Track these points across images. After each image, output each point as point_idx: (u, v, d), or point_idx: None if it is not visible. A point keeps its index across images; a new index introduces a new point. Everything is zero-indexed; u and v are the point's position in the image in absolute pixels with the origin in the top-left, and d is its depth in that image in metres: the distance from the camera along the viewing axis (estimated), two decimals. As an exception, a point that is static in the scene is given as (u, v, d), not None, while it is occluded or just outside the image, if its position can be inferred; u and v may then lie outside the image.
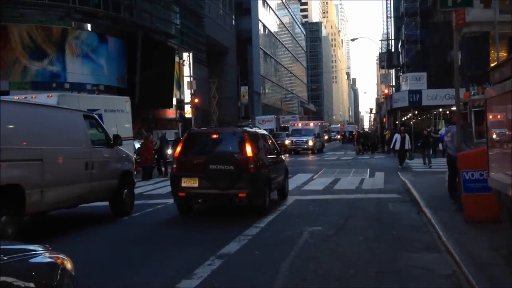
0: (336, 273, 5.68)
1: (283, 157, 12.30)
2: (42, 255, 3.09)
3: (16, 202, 7.05)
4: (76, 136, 8.87)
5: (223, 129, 10.17)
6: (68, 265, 3.25)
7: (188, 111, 42.55)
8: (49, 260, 3.10)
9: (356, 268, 5.85)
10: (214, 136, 10.05)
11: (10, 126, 7.36)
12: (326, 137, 63.52)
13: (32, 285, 2.81)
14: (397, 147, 20.80)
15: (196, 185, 9.30)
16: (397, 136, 21.08)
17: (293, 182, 14.98)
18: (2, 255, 2.78)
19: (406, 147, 20.49)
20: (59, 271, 3.08)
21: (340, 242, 7.32)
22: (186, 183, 9.35)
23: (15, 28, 27.42)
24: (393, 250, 6.71)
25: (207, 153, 9.42)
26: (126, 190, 10.04)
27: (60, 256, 3.24)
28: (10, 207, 6.92)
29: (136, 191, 11.57)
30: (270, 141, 11.66)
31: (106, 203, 10.01)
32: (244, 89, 63.16)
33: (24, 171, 7.28)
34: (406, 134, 21.04)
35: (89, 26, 30.66)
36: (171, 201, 11.75)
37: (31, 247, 3.15)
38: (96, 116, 10.37)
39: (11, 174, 6.99)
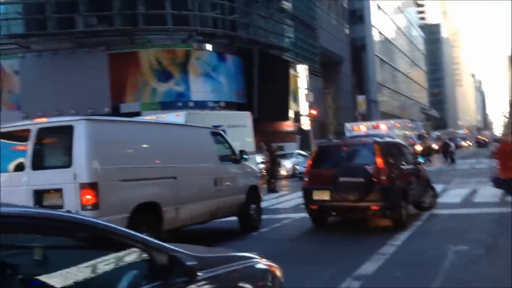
0: (498, 302, 4.95)
1: (423, 167, 11.67)
2: (260, 262, 3.33)
3: (154, 219, 7.30)
4: (205, 152, 9.06)
5: (353, 141, 10.08)
6: (278, 272, 3.42)
7: (304, 123, 42.54)
8: (265, 267, 3.35)
9: (522, 297, 5.06)
10: (344, 148, 10.08)
11: (145, 146, 7.71)
12: (435, 145, 44.40)
13: None
14: None
15: (328, 197, 9.27)
16: None
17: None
18: (236, 262, 3.11)
19: None
20: (271, 277, 3.34)
21: (494, 263, 6.48)
22: (317, 196, 9.41)
23: (144, 54, 29.64)
24: None
25: (337, 166, 9.35)
26: (253, 205, 10.04)
27: (272, 264, 3.43)
28: (149, 224, 7.17)
29: (261, 205, 11.55)
30: (406, 150, 11.29)
31: (233, 218, 10.09)
32: (360, 98, 61.66)
33: (160, 189, 7.54)
34: None
35: (209, 46, 32.09)
36: (298, 215, 11.59)
37: (249, 254, 3.37)
38: (222, 132, 10.56)
39: (149, 192, 7.27)
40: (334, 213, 9.83)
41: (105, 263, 2.46)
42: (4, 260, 2.36)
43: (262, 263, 3.33)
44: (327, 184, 9.16)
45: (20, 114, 26.28)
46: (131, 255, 2.49)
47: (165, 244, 2.62)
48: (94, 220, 2.49)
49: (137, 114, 25.16)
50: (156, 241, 2.59)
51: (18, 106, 28.28)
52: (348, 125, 31.32)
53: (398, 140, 11.47)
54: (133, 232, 2.53)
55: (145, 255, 2.48)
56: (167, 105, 28.71)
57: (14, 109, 28.07)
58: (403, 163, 10.34)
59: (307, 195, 9.63)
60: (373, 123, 31.75)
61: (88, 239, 2.47)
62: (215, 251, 3.55)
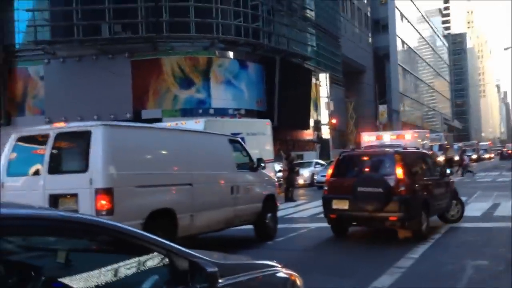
0: (517, 321, 4.79)
1: (450, 178, 11.50)
2: (281, 271, 3.30)
3: (169, 225, 7.30)
4: (222, 160, 9.06)
5: (374, 151, 10.09)
6: (298, 282, 3.38)
7: (324, 132, 42.32)
8: (285, 275, 3.32)
9: (542, 317, 4.89)
10: (365, 158, 10.05)
11: (162, 152, 7.74)
12: (457, 157, 39.10)
13: None
14: None
15: (346, 207, 9.26)
16: None
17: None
18: (256, 269, 3.09)
19: None
20: (292, 286, 3.32)
21: (514, 280, 6.28)
22: (336, 205, 9.42)
23: (167, 61, 29.97)
24: None
25: (357, 175, 9.38)
26: (269, 214, 9.97)
27: (292, 272, 3.39)
28: (164, 231, 7.17)
29: (278, 214, 11.49)
30: (431, 161, 11.18)
31: (249, 226, 10.03)
32: (382, 108, 61.05)
33: (175, 195, 7.55)
34: None
35: (231, 54, 32.26)
36: (314, 225, 11.51)
37: (270, 263, 3.33)
38: (240, 140, 10.55)
39: (164, 199, 7.29)
40: (355, 223, 9.81)
41: (126, 267, 2.48)
42: (27, 262, 2.40)
43: (282, 272, 3.31)
44: (347, 193, 9.16)
45: (44, 119, 26.79)
46: (152, 260, 2.50)
47: (186, 250, 2.61)
48: (115, 223, 2.48)
49: (158, 120, 25.38)
50: (177, 246, 2.57)
51: (42, 111, 28.86)
52: (364, 135, 30.22)
53: (422, 150, 11.36)
54: (154, 237, 2.51)
55: (166, 260, 2.49)
56: (187, 112, 28.93)
57: (38, 114, 28.65)
58: (427, 173, 10.28)
59: (327, 204, 9.65)
60: (391, 133, 30.34)
61: (109, 243, 2.49)
62: (234, 258, 3.54)
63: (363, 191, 8.89)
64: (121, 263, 2.46)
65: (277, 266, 3.30)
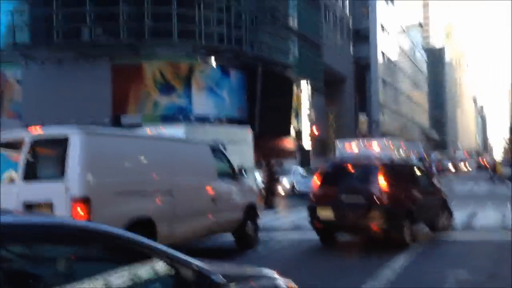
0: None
1: (441, 190, 11.72)
2: (278, 279, 3.28)
3: (148, 234, 7.10)
4: (203, 168, 8.94)
5: (359, 161, 10.41)
6: None
7: (305, 141, 42.45)
8: (285, 285, 3.28)
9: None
10: (350, 167, 10.19)
11: (141, 160, 7.58)
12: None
13: None
14: None
15: (331, 215, 9.37)
16: None
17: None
18: (257, 278, 3.08)
19: None
20: None
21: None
22: (320, 213, 9.52)
23: (148, 66, 29.70)
24: None
25: (341, 184, 9.56)
26: (250, 223, 9.87)
27: (290, 281, 3.37)
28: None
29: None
30: (419, 172, 11.36)
31: (228, 235, 9.90)
32: (362, 117, 61.66)
33: (155, 204, 7.38)
34: None
35: (213, 61, 32.14)
36: (295, 233, 11.46)
37: (267, 271, 3.31)
38: (221, 148, 10.44)
39: (143, 207, 7.11)
40: (342, 231, 9.93)
41: (130, 276, 2.43)
42: (26, 270, 2.36)
43: (282, 280, 3.30)
44: (331, 202, 9.33)
45: (20, 123, 26.20)
46: (156, 269, 2.46)
47: (191, 259, 2.56)
48: (119, 231, 2.43)
49: (138, 126, 25.06)
50: (182, 255, 2.53)
51: (19, 114, 28.23)
52: (339, 143, 29.66)
53: (412, 162, 11.69)
54: (159, 245, 2.46)
55: (171, 269, 2.45)
56: (168, 118, 28.60)
57: (15, 118, 28.02)
58: (412, 183, 10.41)
59: (312, 212, 9.74)
60: (365, 141, 29.86)
61: (112, 251, 2.46)
62: (236, 267, 3.52)
63: (347, 200, 9.06)
64: (124, 272, 2.41)
65: (276, 276, 3.30)
